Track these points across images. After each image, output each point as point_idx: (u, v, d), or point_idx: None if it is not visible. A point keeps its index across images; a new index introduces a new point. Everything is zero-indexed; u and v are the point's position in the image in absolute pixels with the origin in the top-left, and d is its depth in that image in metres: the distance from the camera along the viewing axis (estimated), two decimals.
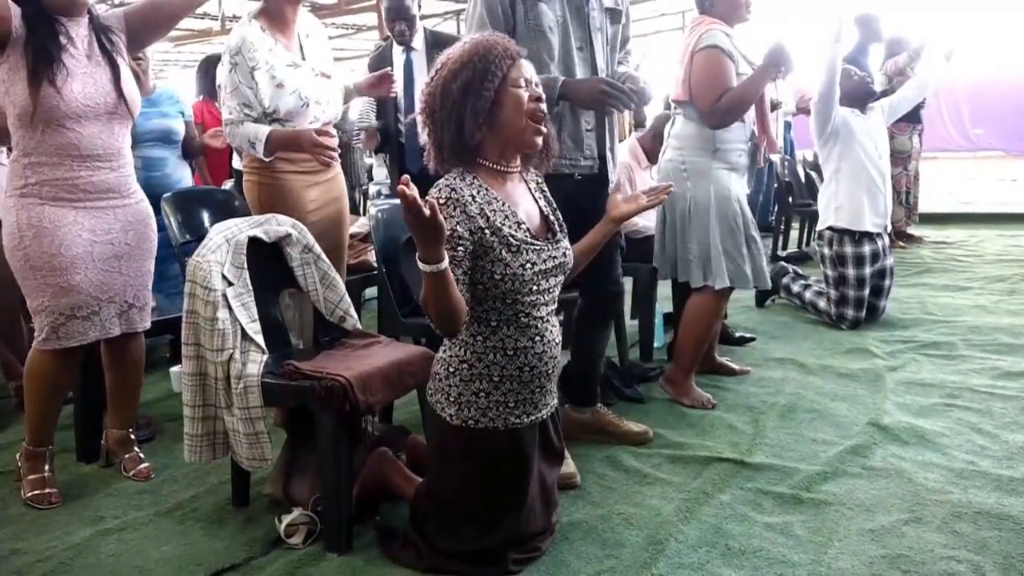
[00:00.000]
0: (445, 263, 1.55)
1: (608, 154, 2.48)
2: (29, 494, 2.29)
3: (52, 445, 2.38)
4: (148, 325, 2.46)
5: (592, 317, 2.59)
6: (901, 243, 6.16)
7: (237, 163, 3.95)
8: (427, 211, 1.46)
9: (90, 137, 2.19)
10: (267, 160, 2.53)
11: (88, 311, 2.25)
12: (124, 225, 2.32)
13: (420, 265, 1.55)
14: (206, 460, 2.11)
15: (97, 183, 2.23)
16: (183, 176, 3.56)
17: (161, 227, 3.38)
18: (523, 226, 1.79)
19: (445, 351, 1.85)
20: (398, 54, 3.59)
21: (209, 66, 4.49)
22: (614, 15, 2.48)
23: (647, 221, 3.37)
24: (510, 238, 1.74)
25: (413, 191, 1.44)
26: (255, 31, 2.54)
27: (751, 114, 2.90)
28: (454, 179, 1.75)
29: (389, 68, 3.01)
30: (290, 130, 2.53)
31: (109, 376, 2.49)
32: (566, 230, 1.94)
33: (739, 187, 2.92)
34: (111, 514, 2.23)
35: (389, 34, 3.65)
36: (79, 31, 2.19)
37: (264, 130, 2.49)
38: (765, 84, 2.81)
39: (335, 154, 2.51)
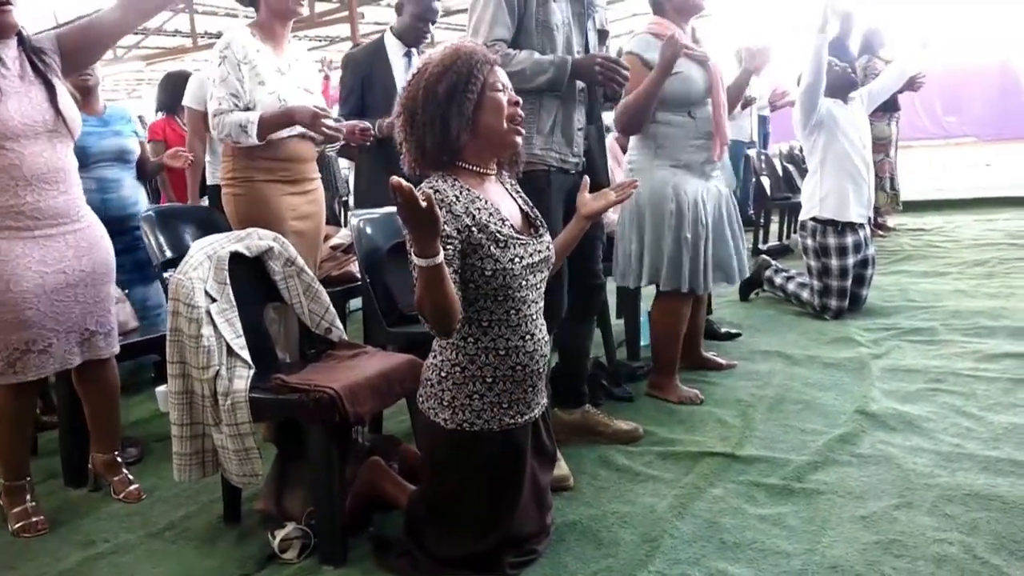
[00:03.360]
0: (441, 256, 1.55)
1: (596, 150, 2.54)
2: (15, 526, 2.25)
3: (30, 476, 2.34)
4: (116, 350, 2.40)
5: (574, 312, 2.60)
6: (880, 232, 6.23)
7: (212, 179, 3.91)
8: (423, 203, 1.46)
9: (32, 156, 2.13)
10: (260, 143, 2.55)
11: (44, 344, 2.19)
12: (76, 251, 2.25)
13: (416, 260, 1.55)
14: (196, 478, 2.09)
15: (44, 209, 2.17)
16: (139, 197, 3.42)
17: (130, 249, 3.31)
18: (507, 222, 1.80)
19: (436, 356, 1.85)
20: (398, 55, 3.42)
21: (169, 82, 4.41)
22: (602, 35, 2.57)
23: None
24: (497, 233, 1.75)
25: (408, 184, 1.44)
26: (246, 34, 2.61)
27: (704, 111, 2.85)
28: (437, 181, 1.76)
29: (369, 126, 2.91)
30: (282, 109, 2.56)
31: (85, 403, 2.44)
32: (547, 226, 1.95)
33: (690, 185, 2.86)
34: (102, 537, 2.21)
35: (404, 33, 3.39)
36: (8, 53, 2.15)
37: (255, 113, 2.53)
38: (656, 88, 2.69)
39: (339, 128, 2.54)
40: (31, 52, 2.20)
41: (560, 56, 2.35)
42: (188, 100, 3.89)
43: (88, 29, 2.31)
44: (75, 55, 2.31)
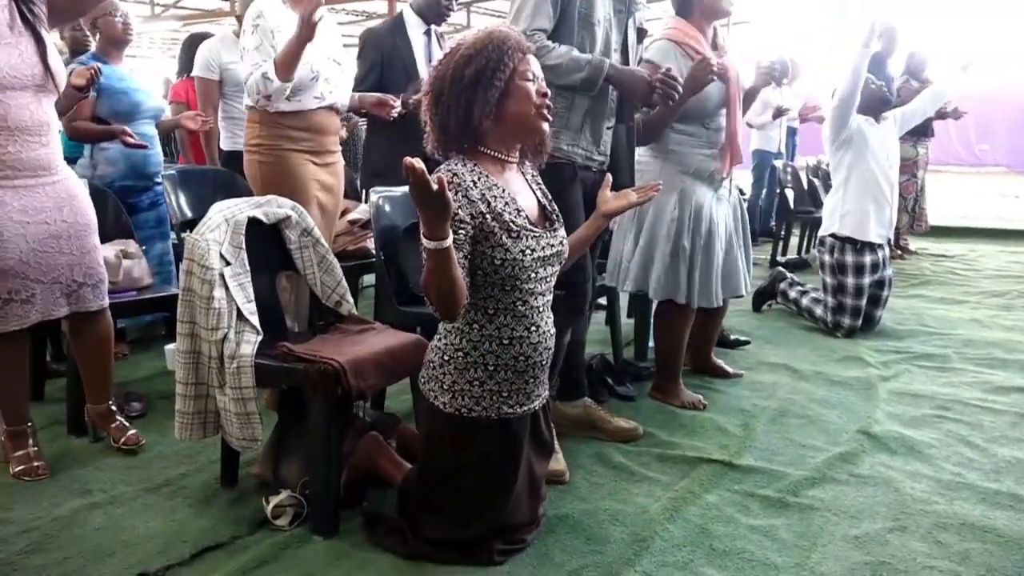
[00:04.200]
0: (449, 240, 1.55)
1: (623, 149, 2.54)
2: (16, 469, 2.28)
3: (31, 422, 2.37)
4: (104, 303, 2.40)
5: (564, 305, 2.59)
6: (901, 254, 6.18)
7: (226, 144, 3.93)
8: (435, 185, 1.46)
9: (18, 109, 2.13)
10: (286, 83, 2.55)
11: (27, 294, 2.20)
12: (57, 202, 2.24)
13: (424, 242, 1.55)
14: (196, 438, 2.11)
15: (27, 160, 2.17)
16: (161, 155, 3.57)
17: (156, 204, 3.41)
18: (522, 213, 1.79)
19: (440, 339, 1.85)
20: (418, 32, 3.39)
21: (192, 44, 4.42)
22: (640, 34, 2.57)
23: None
24: (511, 224, 1.75)
25: (421, 165, 1.44)
26: (276, 2, 2.62)
27: (717, 122, 2.83)
28: (456, 164, 1.75)
29: (392, 98, 2.92)
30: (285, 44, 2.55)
31: (76, 355, 2.45)
32: (563, 220, 1.95)
33: (699, 193, 2.83)
34: (99, 488, 2.24)
35: (422, 10, 3.36)
36: None
37: (270, 61, 2.56)
38: (679, 108, 2.64)
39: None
40: (20, 1, 2.17)
41: (598, 57, 2.33)
42: (198, 70, 3.90)
43: None
44: (62, 8, 2.28)
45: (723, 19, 2.86)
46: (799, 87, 7.30)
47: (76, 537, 1.98)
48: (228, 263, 2.07)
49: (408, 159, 1.44)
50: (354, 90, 3.20)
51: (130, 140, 2.96)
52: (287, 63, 2.55)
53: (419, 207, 1.51)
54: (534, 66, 1.81)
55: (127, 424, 2.51)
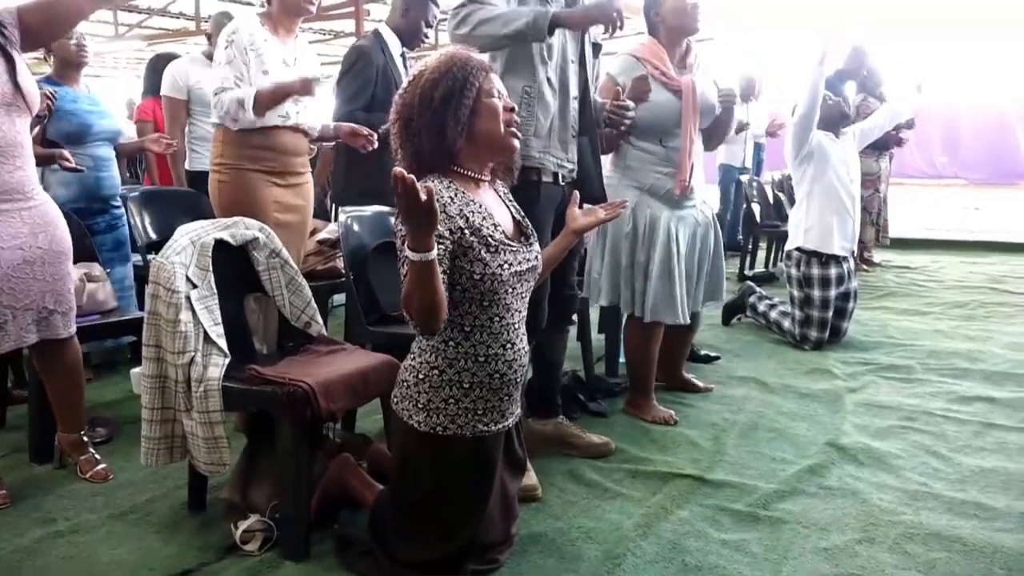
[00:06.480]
0: (435, 252, 1.56)
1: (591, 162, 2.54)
2: None
3: None
4: (73, 330, 2.36)
5: (548, 322, 2.60)
6: (865, 267, 6.28)
7: (192, 165, 3.90)
8: (424, 195, 1.47)
9: None
10: (258, 117, 2.57)
11: (0, 321, 2.16)
12: (33, 228, 2.20)
13: (408, 254, 1.55)
14: (163, 463, 2.08)
15: (0, 183, 2.12)
16: (119, 177, 3.50)
17: (112, 228, 3.35)
18: (499, 228, 1.81)
19: (414, 358, 1.85)
20: (397, 53, 3.38)
21: (157, 64, 4.38)
22: (595, 48, 2.56)
23: None
24: (489, 238, 1.76)
25: (412, 176, 1.46)
26: (254, 22, 2.64)
27: (676, 141, 2.83)
28: (432, 182, 1.76)
29: (368, 132, 2.88)
30: (274, 84, 2.59)
31: (46, 383, 2.41)
32: (536, 235, 1.96)
33: (653, 209, 2.86)
34: (63, 516, 2.19)
35: (400, 34, 3.38)
36: None
37: (251, 89, 2.56)
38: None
39: (320, 77, 2.57)
40: None
41: (539, 9, 2.21)
42: (166, 89, 3.88)
43: (50, 7, 2.23)
44: (36, 31, 2.23)
45: (690, 35, 2.90)
46: (764, 102, 7.41)
47: (39, 568, 1.93)
48: (195, 286, 2.05)
49: (397, 169, 1.46)
50: (348, 105, 3.19)
51: (66, 164, 2.88)
52: (266, 103, 2.57)
53: (406, 218, 1.52)
54: (497, 83, 1.84)
55: (98, 457, 2.47)
